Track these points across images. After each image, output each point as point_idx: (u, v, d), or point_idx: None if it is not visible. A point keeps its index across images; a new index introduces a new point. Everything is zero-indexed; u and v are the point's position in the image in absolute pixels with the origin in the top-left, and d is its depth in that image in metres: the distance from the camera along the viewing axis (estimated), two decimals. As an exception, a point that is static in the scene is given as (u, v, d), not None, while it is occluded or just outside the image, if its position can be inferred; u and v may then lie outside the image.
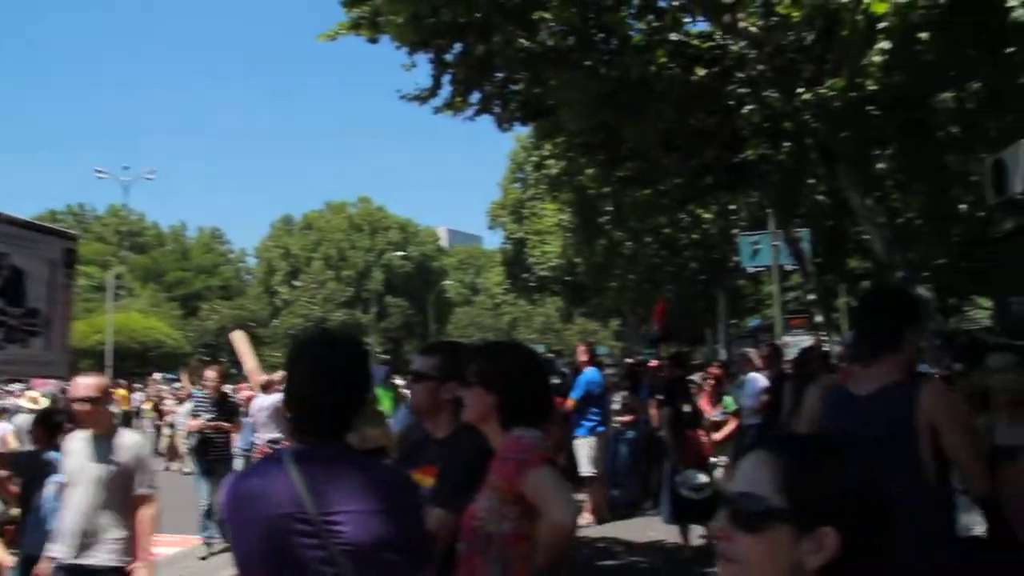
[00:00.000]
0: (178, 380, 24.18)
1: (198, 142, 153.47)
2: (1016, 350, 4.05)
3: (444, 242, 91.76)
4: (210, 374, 9.66)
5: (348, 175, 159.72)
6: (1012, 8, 5.38)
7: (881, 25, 6.20)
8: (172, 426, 17.27)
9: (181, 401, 17.25)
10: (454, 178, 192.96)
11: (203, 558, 8.92)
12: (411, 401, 3.17)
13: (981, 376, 4.06)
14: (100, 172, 42.33)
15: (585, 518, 9.74)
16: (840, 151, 10.42)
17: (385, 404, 9.39)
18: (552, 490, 2.40)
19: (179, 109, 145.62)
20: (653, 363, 12.10)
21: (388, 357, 33.76)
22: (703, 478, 7.04)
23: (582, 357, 10.52)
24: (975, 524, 3.74)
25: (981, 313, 26.01)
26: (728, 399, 10.13)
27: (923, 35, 6.33)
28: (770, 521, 1.29)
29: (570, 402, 10.07)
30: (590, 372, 10.34)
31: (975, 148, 9.80)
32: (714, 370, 10.46)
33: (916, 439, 2.96)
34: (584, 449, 10.01)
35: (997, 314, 6.30)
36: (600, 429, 10.21)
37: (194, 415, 9.70)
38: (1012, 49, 6.82)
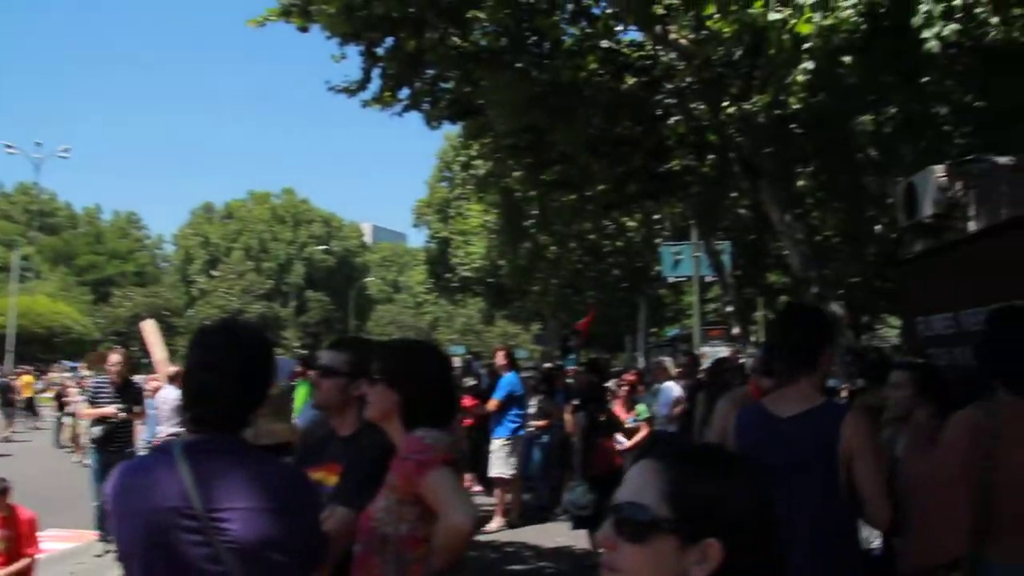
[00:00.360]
0: (81, 368, 23.39)
1: (118, 123, 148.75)
2: (916, 368, 4.23)
3: (368, 238, 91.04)
4: (114, 358, 9.11)
5: (273, 165, 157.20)
6: (926, 40, 5.56)
7: (806, 46, 6.37)
8: (74, 415, 16.68)
9: (84, 390, 16.75)
10: (381, 174, 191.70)
11: (99, 555, 8.50)
12: (317, 397, 3.14)
13: (881, 392, 4.24)
14: (10, 148, 40.64)
15: (496, 521, 9.81)
16: (763, 166, 10.59)
17: (301, 399, 9.12)
18: (450, 493, 2.38)
19: (99, 88, 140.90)
20: (571, 368, 12.15)
21: (306, 352, 33.26)
22: (588, 497, 7.08)
23: (501, 362, 10.60)
24: (872, 539, 3.94)
25: (891, 331, 26.91)
26: (641, 406, 10.20)
27: (846, 59, 6.54)
28: (654, 531, 1.27)
29: (493, 403, 10.22)
30: (510, 376, 10.46)
31: (891, 171, 10.08)
32: (629, 377, 10.58)
33: (835, 463, 3.01)
34: (503, 451, 10.07)
35: (904, 333, 6.49)
36: (520, 432, 10.35)
37: (92, 402, 9.06)
38: (926, 79, 6.96)
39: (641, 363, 24.79)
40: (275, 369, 2.32)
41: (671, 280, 24.02)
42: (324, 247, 67.42)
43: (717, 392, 6.58)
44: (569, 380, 13.64)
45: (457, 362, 15.83)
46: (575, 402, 9.27)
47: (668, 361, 11.99)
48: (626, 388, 10.58)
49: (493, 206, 27.45)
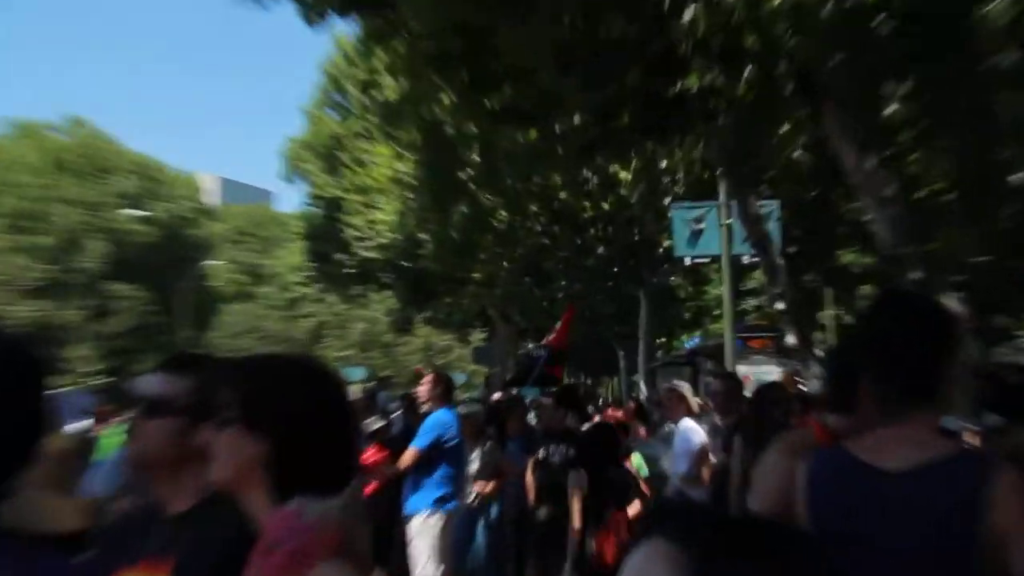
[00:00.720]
0: None
1: None
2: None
3: (213, 198, 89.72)
4: None
5: (61, 86, 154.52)
6: None
7: None
8: None
9: None
10: (232, 104, 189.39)
11: None
12: (133, 451, 3.08)
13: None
14: None
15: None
16: (830, 84, 10.76)
17: (104, 454, 8.91)
18: None
19: None
20: (535, 399, 13.00)
21: (110, 380, 32.63)
22: None
23: (426, 392, 10.68)
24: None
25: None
26: (637, 457, 10.62)
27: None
28: None
29: (411, 456, 10.24)
30: (441, 413, 10.46)
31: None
32: (616, 412, 10.59)
33: (978, 545, 2.92)
34: (428, 532, 10.16)
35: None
36: (453, 503, 10.36)
37: None
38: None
39: (642, 391, 24.97)
40: (54, 409, 2.31)
41: (688, 262, 23.74)
42: (140, 213, 64.59)
43: (762, 436, 6.53)
44: (531, 418, 13.98)
45: (355, 391, 15.84)
46: (544, 453, 9.83)
47: (685, 388, 11.64)
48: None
49: (410, 149, 27.34)
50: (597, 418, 12.48)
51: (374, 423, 12.43)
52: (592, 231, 27.38)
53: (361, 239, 37.51)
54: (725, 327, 21.63)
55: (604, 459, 8.88)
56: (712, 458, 10.01)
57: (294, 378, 2.71)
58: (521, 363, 20.30)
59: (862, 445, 3.24)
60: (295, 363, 2.81)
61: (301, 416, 2.62)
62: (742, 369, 19.20)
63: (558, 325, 17.74)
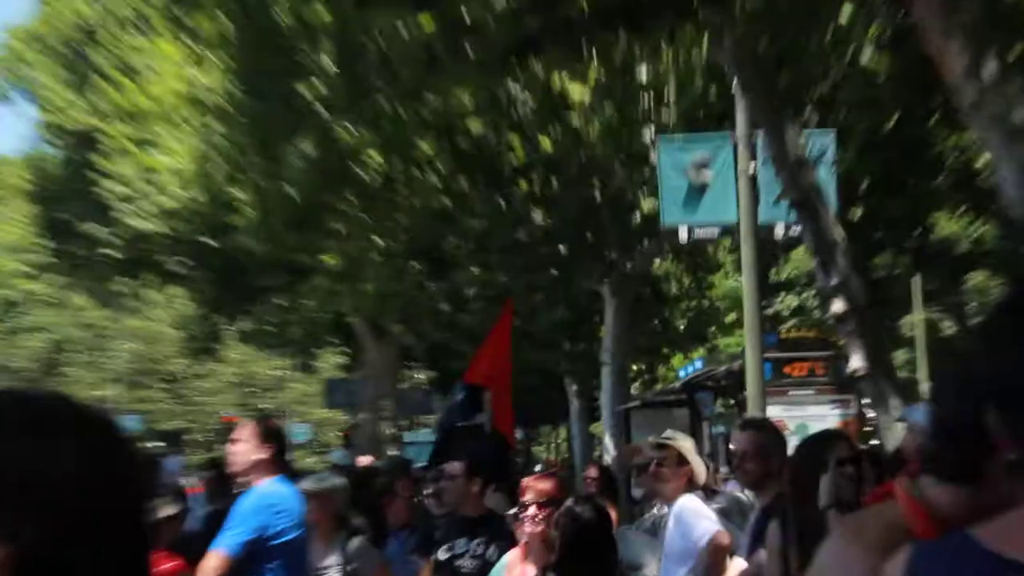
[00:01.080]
0: None
1: None
2: None
3: None
4: None
5: None
6: None
7: None
8: None
9: None
10: None
11: None
12: None
13: None
14: None
15: None
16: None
17: None
18: None
19: None
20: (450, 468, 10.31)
21: None
22: None
23: (246, 448, 8.39)
24: None
25: None
26: None
27: None
28: None
29: (213, 565, 7.92)
30: (268, 490, 8.32)
31: None
32: (544, 486, 8.54)
33: None
34: None
35: None
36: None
37: None
38: None
39: (607, 449, 21.59)
40: None
41: (684, 237, 19.03)
42: None
43: (813, 519, 5.39)
44: (427, 495, 11.99)
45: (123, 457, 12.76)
46: (446, 554, 8.60)
47: (685, 443, 9.58)
48: (537, 514, 8.62)
49: (215, 47, 22.28)
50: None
51: (164, 509, 10.12)
52: (524, 185, 22.01)
53: (130, 199, 29.58)
54: (746, 343, 17.31)
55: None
56: (736, 562, 8.27)
57: (44, 436, 1.96)
58: (450, 413, 15.70)
59: (994, 531, 2.22)
60: (37, 411, 2.03)
61: (59, 503, 1.92)
62: (775, 412, 15.86)
63: (481, 346, 14.65)
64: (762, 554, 7.19)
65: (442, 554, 9.24)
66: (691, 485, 9.07)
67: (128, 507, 1.98)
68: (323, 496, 9.62)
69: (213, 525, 9.24)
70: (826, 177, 14.21)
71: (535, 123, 20.34)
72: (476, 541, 8.98)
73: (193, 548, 8.86)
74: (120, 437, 2.05)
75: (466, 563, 8.90)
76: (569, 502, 8.72)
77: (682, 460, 9.20)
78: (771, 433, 8.89)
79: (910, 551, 2.29)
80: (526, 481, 8.87)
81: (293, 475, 9.52)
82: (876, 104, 15.10)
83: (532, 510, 8.02)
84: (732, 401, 20.86)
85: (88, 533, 1.88)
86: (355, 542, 9.94)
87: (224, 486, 11.17)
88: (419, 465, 14.72)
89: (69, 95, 31.27)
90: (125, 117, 28.34)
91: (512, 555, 8.22)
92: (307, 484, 9.53)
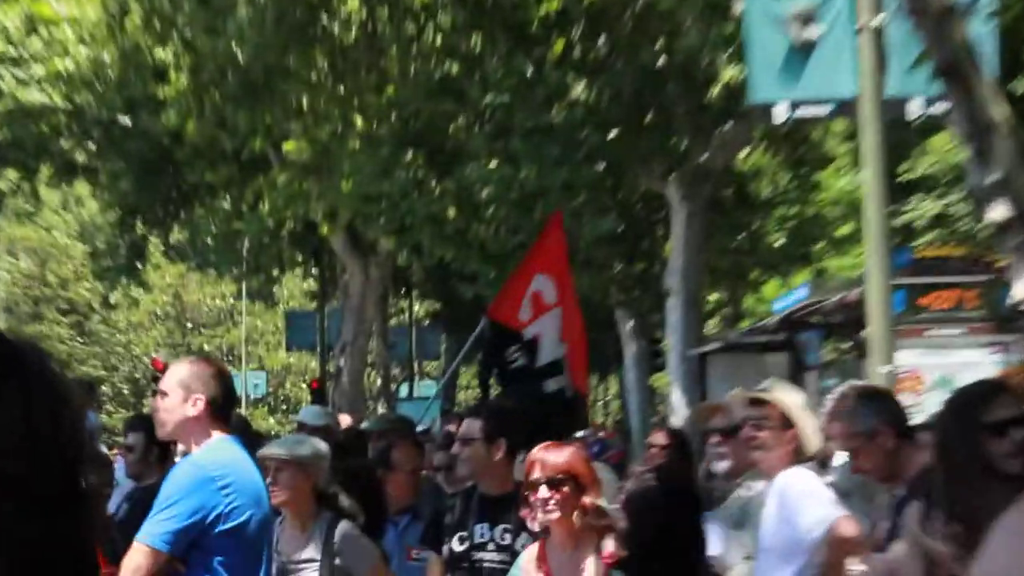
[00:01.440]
0: None
1: None
2: None
3: None
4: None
5: None
6: None
7: None
8: None
9: None
10: None
11: None
12: None
13: None
14: None
15: None
16: None
17: None
18: None
19: None
20: (454, 425, 10.93)
21: None
22: None
23: (177, 400, 6.85)
24: None
25: None
26: None
27: None
28: None
29: (135, 559, 6.57)
30: (210, 457, 6.86)
31: None
32: (557, 458, 7.16)
33: None
34: None
35: None
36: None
37: None
38: None
39: (674, 409, 19.46)
40: None
41: (780, 117, 16.68)
42: None
43: (972, 495, 5.11)
44: (434, 467, 11.22)
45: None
46: (463, 545, 7.77)
47: (791, 399, 7.88)
48: (551, 497, 7.37)
49: None
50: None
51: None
52: (558, 45, 18.60)
53: (13, 61, 25.49)
54: (867, 264, 15.09)
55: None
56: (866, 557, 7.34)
57: None
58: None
59: None
60: None
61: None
62: (909, 359, 14.55)
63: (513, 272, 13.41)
64: (898, 548, 6.29)
65: (457, 545, 8.14)
66: (799, 456, 7.78)
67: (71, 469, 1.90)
68: (297, 465, 8.31)
69: (138, 509, 8.09)
70: (984, 32, 12.51)
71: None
72: (501, 527, 7.95)
73: (115, 540, 7.35)
74: (54, 374, 1.96)
75: (489, 556, 7.88)
76: (639, 480, 8.76)
77: (787, 421, 7.86)
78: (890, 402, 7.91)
79: None
80: (534, 452, 7.25)
81: (249, 437, 9.04)
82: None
83: (543, 491, 6.88)
84: (848, 344, 18.85)
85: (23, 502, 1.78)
86: (342, 529, 8.52)
87: (152, 454, 9.54)
88: (421, 428, 13.71)
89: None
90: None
91: (528, 555, 7.10)
92: (274, 449, 8.58)
